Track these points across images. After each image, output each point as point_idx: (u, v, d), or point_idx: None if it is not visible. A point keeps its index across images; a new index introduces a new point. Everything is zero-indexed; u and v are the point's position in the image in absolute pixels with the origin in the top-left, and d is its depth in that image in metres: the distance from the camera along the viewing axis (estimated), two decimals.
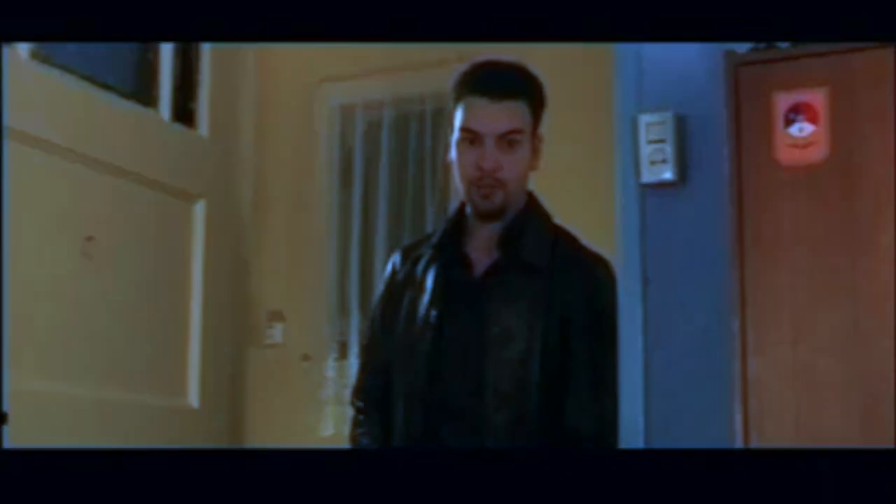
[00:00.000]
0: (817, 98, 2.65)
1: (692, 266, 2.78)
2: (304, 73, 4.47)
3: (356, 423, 2.61)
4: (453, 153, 2.51)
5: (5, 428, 2.21)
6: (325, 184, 4.46)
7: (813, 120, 2.65)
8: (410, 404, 2.46)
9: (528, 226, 2.57)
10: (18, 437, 2.24)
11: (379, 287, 2.73)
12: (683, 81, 2.87)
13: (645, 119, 2.85)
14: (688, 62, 2.84)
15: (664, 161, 2.84)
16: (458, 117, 2.49)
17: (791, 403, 2.55)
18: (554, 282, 2.52)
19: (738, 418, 2.54)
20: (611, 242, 3.22)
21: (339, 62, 4.42)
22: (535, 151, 2.57)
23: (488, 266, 2.54)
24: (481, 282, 2.53)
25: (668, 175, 2.82)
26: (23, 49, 2.43)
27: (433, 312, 2.50)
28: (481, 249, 2.55)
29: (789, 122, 2.67)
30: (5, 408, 2.21)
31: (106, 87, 2.67)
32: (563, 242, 2.64)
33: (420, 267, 2.58)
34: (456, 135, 2.49)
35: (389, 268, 2.68)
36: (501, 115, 2.45)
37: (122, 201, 2.66)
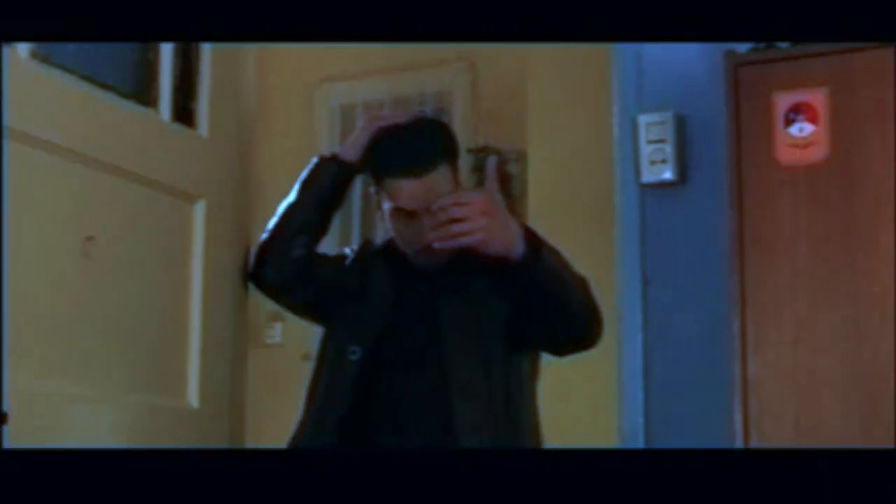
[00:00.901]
0: (817, 98, 2.65)
1: (692, 266, 2.79)
2: (304, 73, 4.48)
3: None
4: (387, 221, 2.52)
5: (5, 428, 2.21)
6: None
7: (813, 120, 2.66)
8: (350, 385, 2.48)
9: None
10: (18, 437, 2.23)
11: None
12: (683, 81, 2.88)
13: (645, 119, 2.86)
14: (688, 62, 2.85)
15: (664, 161, 2.85)
16: (386, 197, 2.48)
17: (791, 403, 2.56)
18: (502, 278, 2.49)
19: (738, 418, 2.54)
20: (611, 242, 3.22)
21: (339, 62, 4.42)
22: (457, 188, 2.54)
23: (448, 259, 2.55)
24: (428, 276, 2.55)
25: (667, 175, 2.83)
26: (23, 49, 2.43)
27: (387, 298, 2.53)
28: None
29: (789, 121, 2.68)
30: (5, 408, 2.21)
31: (106, 87, 2.67)
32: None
33: (374, 259, 2.62)
34: (388, 211, 2.49)
35: (347, 251, 2.72)
36: (429, 190, 2.43)
37: (122, 201, 2.66)
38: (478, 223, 2.14)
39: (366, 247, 2.73)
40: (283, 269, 2.69)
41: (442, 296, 2.50)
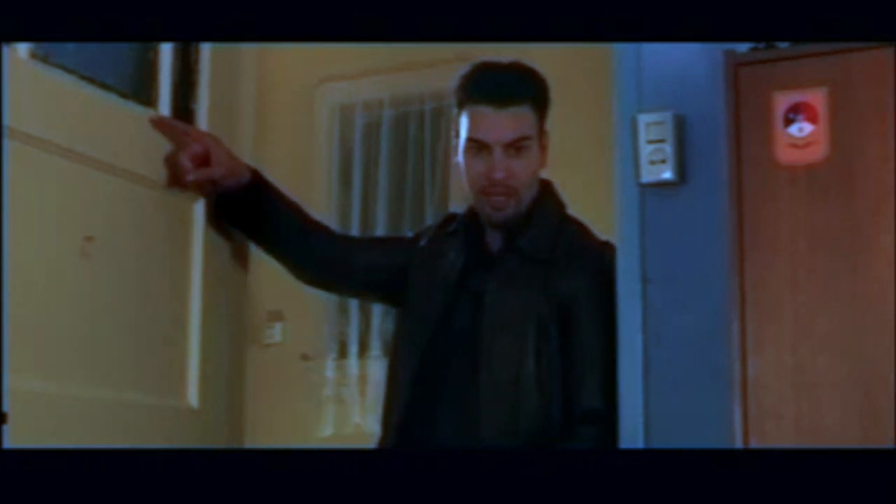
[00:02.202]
0: (817, 98, 2.65)
1: (692, 266, 2.78)
2: (304, 73, 4.48)
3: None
4: (461, 159, 2.50)
5: (5, 428, 2.21)
6: (324, 183, 4.47)
7: (812, 119, 2.66)
8: (409, 380, 2.46)
9: (534, 218, 2.55)
10: (18, 437, 2.23)
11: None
12: (683, 81, 2.87)
13: (644, 119, 2.85)
14: (688, 62, 2.84)
15: (664, 161, 2.84)
16: (464, 125, 2.46)
17: (791, 403, 2.55)
18: (555, 272, 2.50)
19: (738, 418, 2.54)
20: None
21: (338, 62, 4.43)
22: (542, 150, 2.56)
23: (496, 251, 2.54)
24: (487, 265, 2.53)
25: (667, 175, 2.83)
26: (22, 49, 2.43)
27: (437, 300, 2.51)
28: (495, 238, 2.56)
29: (789, 121, 2.68)
30: (5, 408, 2.21)
31: (106, 87, 2.67)
32: (570, 233, 2.63)
33: (444, 241, 2.59)
34: (462, 143, 2.47)
35: (430, 223, 2.71)
36: (508, 123, 2.43)
37: (122, 201, 2.66)
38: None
39: (446, 222, 2.69)
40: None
41: (493, 288, 2.49)
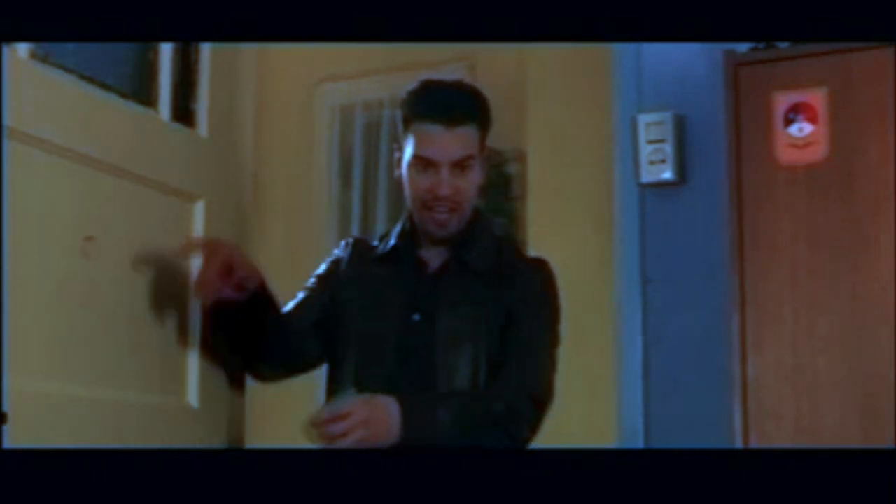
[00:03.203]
0: (817, 98, 2.65)
1: (692, 265, 2.78)
2: (304, 73, 4.47)
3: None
4: (405, 174, 2.52)
5: (5, 428, 2.21)
6: (324, 184, 4.46)
7: (812, 119, 2.66)
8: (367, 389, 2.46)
9: (475, 236, 2.58)
10: (18, 437, 2.23)
11: (322, 265, 2.72)
12: (683, 81, 2.88)
13: (644, 119, 2.86)
14: (688, 62, 2.84)
15: (664, 161, 2.85)
16: (411, 143, 2.49)
17: (791, 403, 2.56)
18: (501, 285, 2.53)
19: (738, 418, 2.54)
20: (610, 242, 3.22)
21: (338, 62, 4.42)
22: (482, 167, 2.58)
23: (438, 267, 2.56)
24: (432, 282, 2.55)
25: (667, 175, 2.83)
26: (22, 49, 2.43)
27: (396, 311, 2.51)
28: (433, 255, 2.57)
29: (789, 121, 2.68)
30: (5, 408, 2.21)
31: (106, 87, 2.67)
32: (509, 249, 2.65)
33: (374, 265, 2.59)
34: (408, 158, 2.50)
35: (340, 253, 2.68)
36: (455, 142, 2.46)
37: (122, 201, 2.66)
38: (356, 434, 2.27)
39: (358, 247, 2.70)
40: (271, 369, 2.69)
41: (444, 305, 2.51)
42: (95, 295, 2.56)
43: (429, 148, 2.46)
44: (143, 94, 2.80)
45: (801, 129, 2.66)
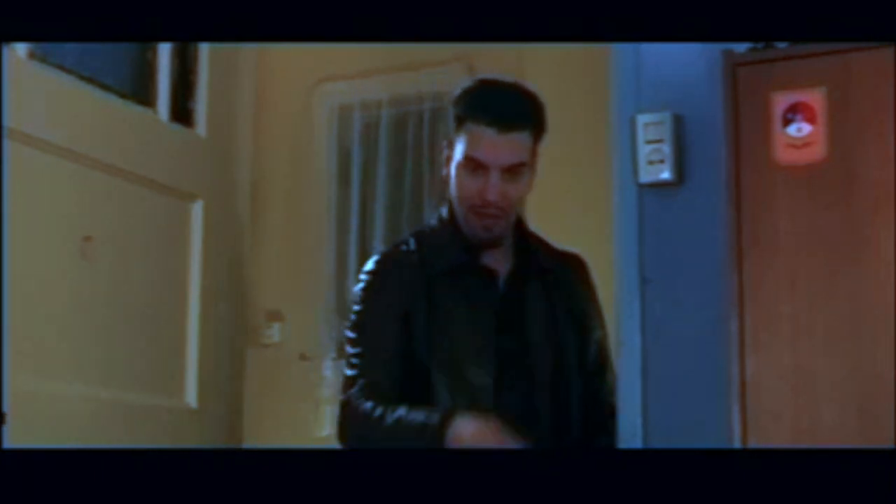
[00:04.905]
0: (815, 98, 2.65)
1: (691, 266, 2.78)
2: (303, 73, 4.47)
3: (373, 414, 2.48)
4: (453, 174, 2.50)
5: (5, 428, 2.21)
6: (323, 184, 4.46)
7: (811, 120, 2.66)
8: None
9: (527, 238, 2.60)
10: (18, 437, 2.23)
11: (357, 289, 2.62)
12: (682, 81, 2.87)
13: (643, 119, 2.85)
14: (686, 62, 2.84)
15: (662, 161, 2.84)
16: (462, 143, 2.45)
17: (790, 403, 2.55)
18: (560, 283, 2.56)
19: (737, 418, 2.54)
20: (609, 242, 3.22)
21: (337, 62, 4.42)
22: (532, 174, 2.57)
23: (508, 273, 2.55)
24: (508, 289, 2.55)
25: (666, 175, 2.83)
26: (22, 49, 2.43)
27: (484, 323, 2.49)
28: (494, 261, 2.56)
29: (787, 121, 2.68)
30: (5, 408, 2.21)
31: (105, 86, 2.67)
32: (552, 248, 2.68)
33: (443, 279, 2.53)
34: (458, 159, 2.47)
35: (377, 272, 2.59)
36: (507, 147, 2.43)
37: (121, 201, 2.67)
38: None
39: (399, 261, 2.61)
40: None
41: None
42: (94, 295, 2.56)
43: (480, 150, 2.43)
44: (142, 94, 2.81)
45: (800, 129, 2.66)
